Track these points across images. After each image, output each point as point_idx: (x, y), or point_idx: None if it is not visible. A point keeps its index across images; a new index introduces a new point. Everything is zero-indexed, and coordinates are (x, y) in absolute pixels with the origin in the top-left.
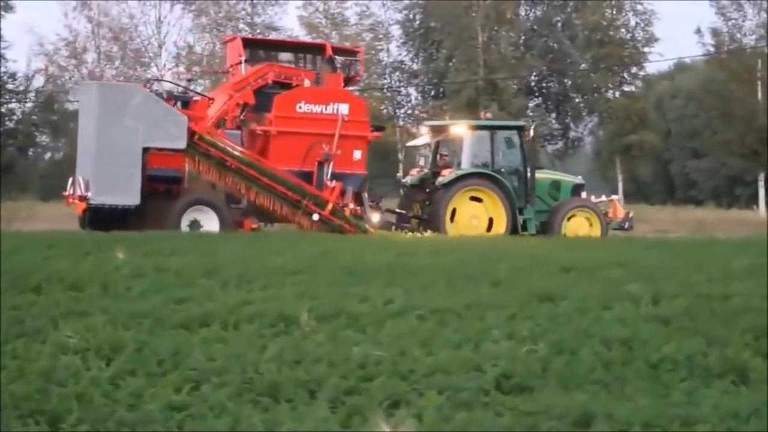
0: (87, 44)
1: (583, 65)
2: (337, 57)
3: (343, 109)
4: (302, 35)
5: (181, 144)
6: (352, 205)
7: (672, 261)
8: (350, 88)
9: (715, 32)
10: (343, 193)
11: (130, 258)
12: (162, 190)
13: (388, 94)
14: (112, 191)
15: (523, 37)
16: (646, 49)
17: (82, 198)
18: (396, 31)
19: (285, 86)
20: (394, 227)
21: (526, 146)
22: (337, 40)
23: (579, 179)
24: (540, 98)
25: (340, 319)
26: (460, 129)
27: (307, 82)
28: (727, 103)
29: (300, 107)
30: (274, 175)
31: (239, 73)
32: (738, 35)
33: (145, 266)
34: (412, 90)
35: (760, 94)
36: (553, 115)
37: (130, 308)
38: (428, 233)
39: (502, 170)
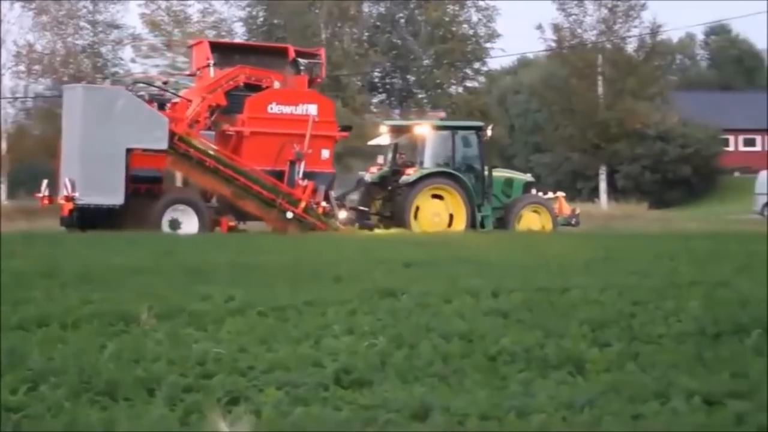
0: None
1: (426, 61)
2: (300, 59)
3: (312, 109)
4: (144, 33)
5: (163, 145)
6: (324, 203)
7: (514, 255)
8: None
9: (557, 28)
10: (314, 191)
11: None
12: (144, 190)
13: None
14: (98, 191)
15: (366, 34)
16: (488, 45)
17: (69, 198)
18: (239, 28)
19: (254, 88)
20: (357, 224)
21: (483, 145)
22: (180, 37)
23: (529, 177)
24: (384, 94)
25: (181, 317)
26: (422, 129)
27: (276, 84)
28: (568, 98)
29: (271, 108)
30: (250, 174)
31: (207, 75)
32: (579, 31)
33: None
34: None
35: (600, 89)
36: (397, 110)
37: None
38: (392, 230)
39: (462, 169)
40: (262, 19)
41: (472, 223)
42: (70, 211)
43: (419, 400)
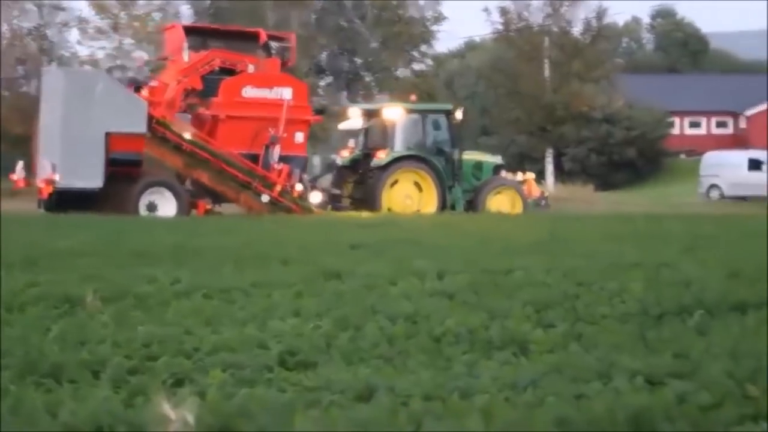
0: None
1: (373, 44)
2: (271, 43)
3: (287, 93)
4: (91, 15)
5: (142, 128)
6: (299, 187)
7: (462, 237)
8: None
9: (503, 11)
10: (290, 174)
11: None
12: (122, 173)
13: None
14: (78, 174)
15: (314, 17)
16: (435, 28)
17: (49, 181)
18: (186, 10)
19: (229, 72)
20: (329, 207)
21: (453, 128)
22: (126, 20)
23: (499, 159)
24: (331, 77)
25: (126, 299)
26: (393, 112)
27: (251, 68)
28: (515, 81)
29: (246, 92)
30: (226, 157)
31: (181, 59)
32: (525, 14)
33: None
34: None
35: (546, 72)
36: (345, 93)
37: None
38: (361, 213)
39: (433, 152)
40: (209, 1)
41: (443, 206)
42: (50, 194)
43: (364, 381)
